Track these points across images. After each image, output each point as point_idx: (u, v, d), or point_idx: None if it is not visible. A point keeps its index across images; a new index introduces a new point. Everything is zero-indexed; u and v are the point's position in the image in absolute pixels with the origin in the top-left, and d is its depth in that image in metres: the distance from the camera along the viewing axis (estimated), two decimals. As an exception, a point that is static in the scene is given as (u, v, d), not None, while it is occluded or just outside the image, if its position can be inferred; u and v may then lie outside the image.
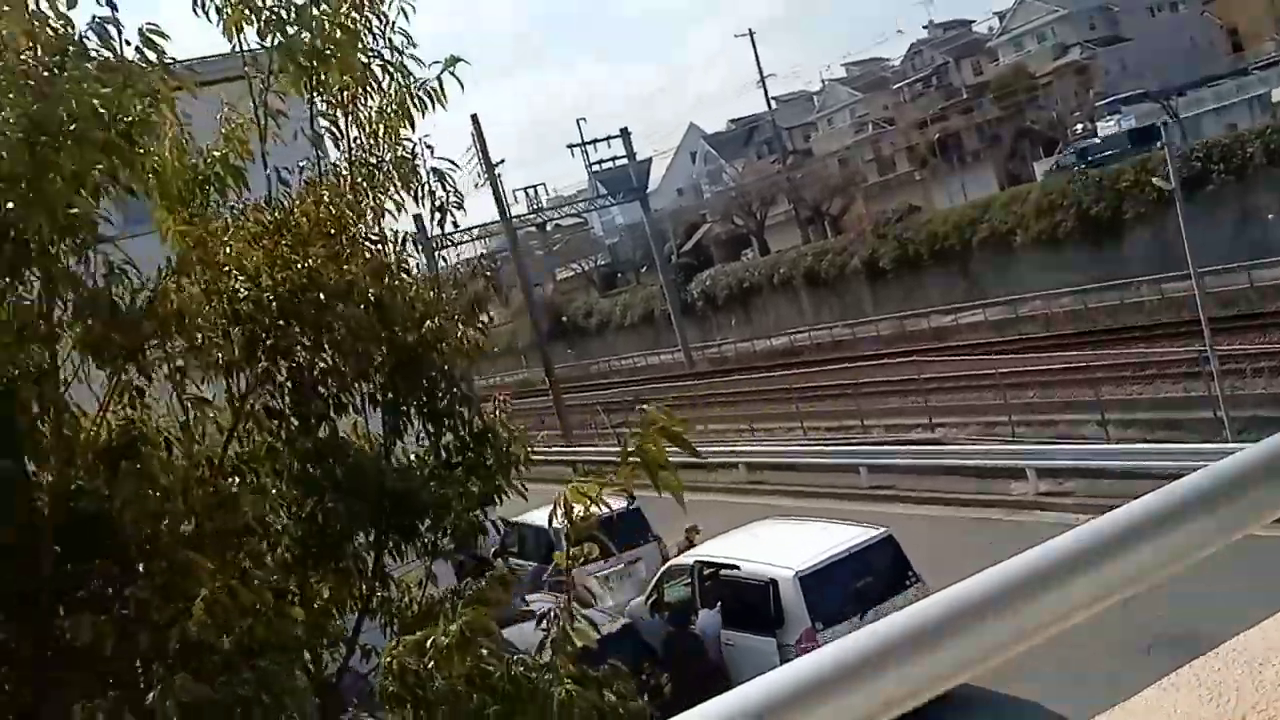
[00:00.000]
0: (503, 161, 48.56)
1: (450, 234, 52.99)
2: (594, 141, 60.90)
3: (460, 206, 5.65)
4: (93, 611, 3.83)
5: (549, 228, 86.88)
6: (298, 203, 5.07)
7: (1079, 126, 57.36)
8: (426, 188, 5.52)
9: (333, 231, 5.01)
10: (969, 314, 43.82)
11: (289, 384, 5.09)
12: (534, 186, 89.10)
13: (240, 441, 5.01)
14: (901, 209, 52.80)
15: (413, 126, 5.36)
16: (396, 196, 5.49)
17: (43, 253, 3.81)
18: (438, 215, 5.57)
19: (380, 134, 5.38)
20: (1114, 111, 54.95)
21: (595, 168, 68.67)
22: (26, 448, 4.26)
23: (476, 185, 40.30)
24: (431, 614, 5.17)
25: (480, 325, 5.94)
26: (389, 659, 4.43)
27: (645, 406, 4.26)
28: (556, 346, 74.23)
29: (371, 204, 5.38)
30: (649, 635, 17.41)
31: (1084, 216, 42.59)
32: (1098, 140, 50.07)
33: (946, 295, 47.19)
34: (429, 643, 4.34)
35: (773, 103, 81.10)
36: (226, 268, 4.81)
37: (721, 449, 32.24)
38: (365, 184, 5.35)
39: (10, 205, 3.70)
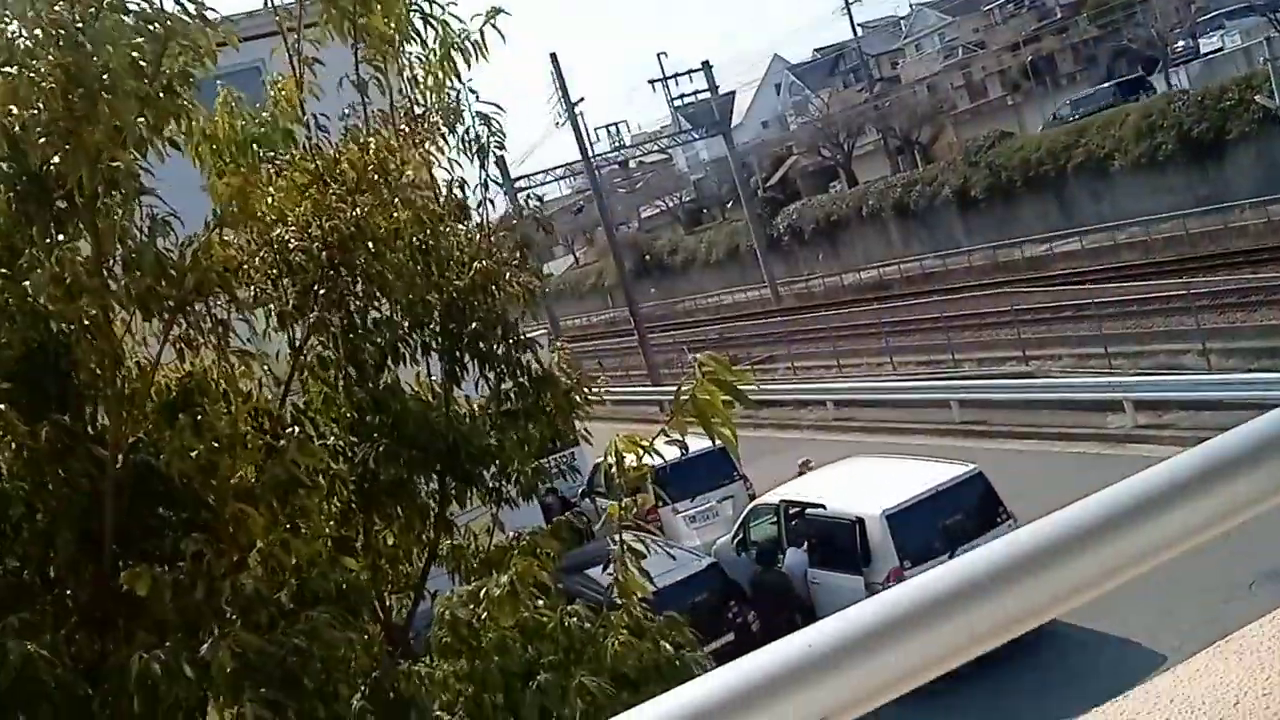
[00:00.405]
0: (583, 100, 48.25)
1: (533, 174, 53.08)
2: (675, 76, 60.18)
3: (502, 147, 5.52)
4: (151, 565, 3.82)
5: (632, 165, 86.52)
6: (343, 151, 4.98)
7: (1180, 44, 55.13)
8: (471, 133, 5.40)
9: (378, 179, 4.91)
10: (1064, 242, 42.62)
11: (344, 334, 5.04)
12: (616, 124, 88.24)
13: (303, 389, 4.98)
14: (993, 135, 51.27)
15: (458, 76, 5.24)
16: (441, 144, 5.37)
17: (89, 206, 3.77)
18: (480, 159, 5.44)
19: (424, 81, 5.26)
20: (1218, 27, 52.67)
21: (677, 103, 67.99)
22: (86, 402, 4.25)
23: (557, 124, 40.11)
24: (495, 562, 5.11)
25: (532, 268, 5.81)
26: (441, 609, 4.39)
27: (696, 357, 4.08)
28: (642, 285, 74.10)
29: (417, 151, 5.26)
30: (735, 574, 17.40)
31: (1185, 138, 40.98)
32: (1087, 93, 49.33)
33: (1041, 223, 45.94)
34: (481, 593, 4.29)
35: (859, 29, 79.38)
36: (271, 218, 4.75)
37: (808, 386, 32.01)
38: (410, 131, 5.24)
39: (55, 159, 3.67)
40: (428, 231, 5.03)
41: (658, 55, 75.36)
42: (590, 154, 41.99)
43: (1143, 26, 58.17)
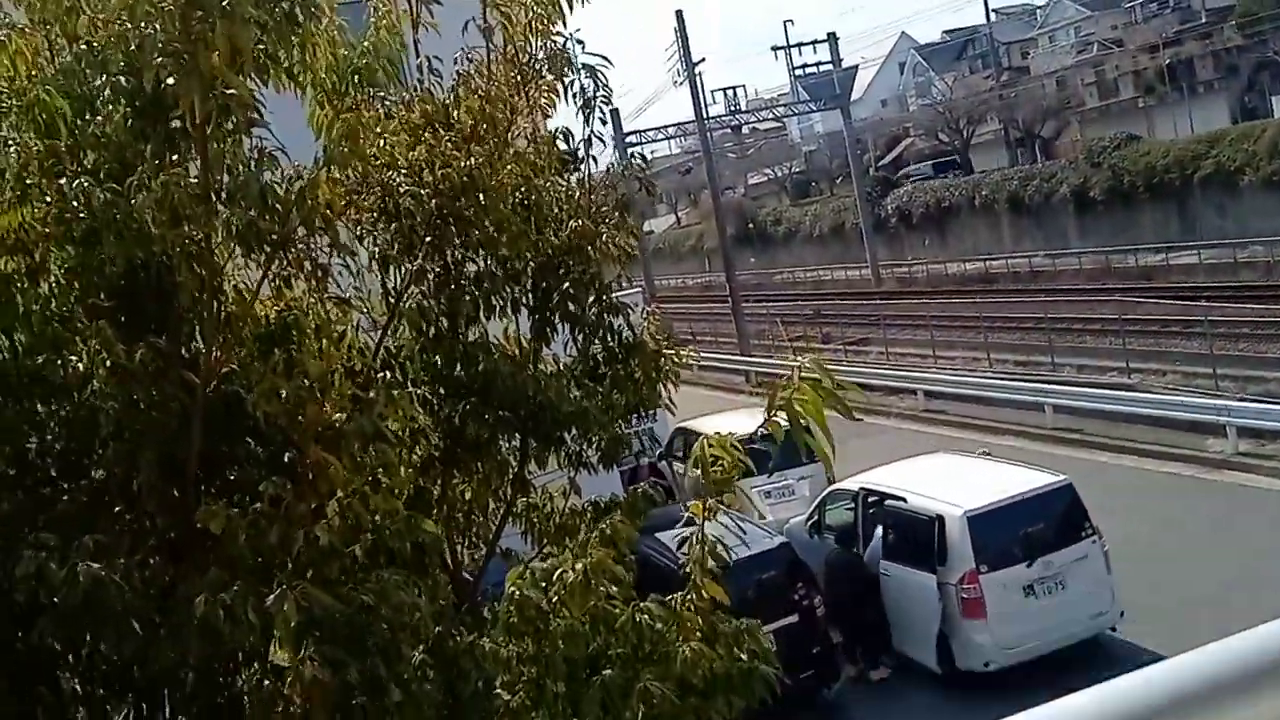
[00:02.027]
0: (703, 60, 47.69)
1: (645, 130, 52.77)
2: (799, 45, 59.26)
3: (608, 101, 5.35)
4: (230, 502, 3.80)
5: (745, 130, 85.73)
6: (459, 98, 4.86)
7: (1329, 60, 52.83)
8: (578, 84, 5.23)
9: (487, 130, 4.79)
10: (1182, 254, 41.25)
11: (442, 283, 4.94)
12: (733, 88, 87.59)
13: (394, 337, 4.91)
14: (1120, 137, 49.71)
15: (564, 21, 5.07)
16: (549, 94, 5.21)
17: (200, 131, 3.71)
18: (584, 113, 5.28)
19: (531, 27, 5.09)
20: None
21: (798, 72, 67.07)
22: (185, 327, 4.23)
23: (676, 83, 39.75)
24: (569, 528, 5.03)
25: (631, 228, 5.63)
26: (511, 588, 4.31)
27: (800, 359, 3.90)
28: (742, 252, 73.60)
29: (526, 102, 5.12)
30: (805, 555, 17.22)
31: (1325, 159, 39.37)
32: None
33: (1159, 232, 44.55)
34: (555, 575, 4.20)
35: (992, 15, 77.41)
36: (380, 161, 4.66)
37: (901, 373, 31.51)
38: (519, 80, 5.09)
39: (170, 80, 3.61)
40: (533, 186, 4.89)
41: (784, 22, 74.30)
42: (704, 115, 41.56)
43: (1292, 39, 55.82)
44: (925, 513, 14.51)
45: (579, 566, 4.11)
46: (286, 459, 4.07)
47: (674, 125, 49.97)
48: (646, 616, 4.24)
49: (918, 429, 27.44)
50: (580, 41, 5.24)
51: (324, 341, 4.24)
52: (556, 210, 5.12)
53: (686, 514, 16.45)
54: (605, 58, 5.32)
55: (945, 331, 35.99)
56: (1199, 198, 44.13)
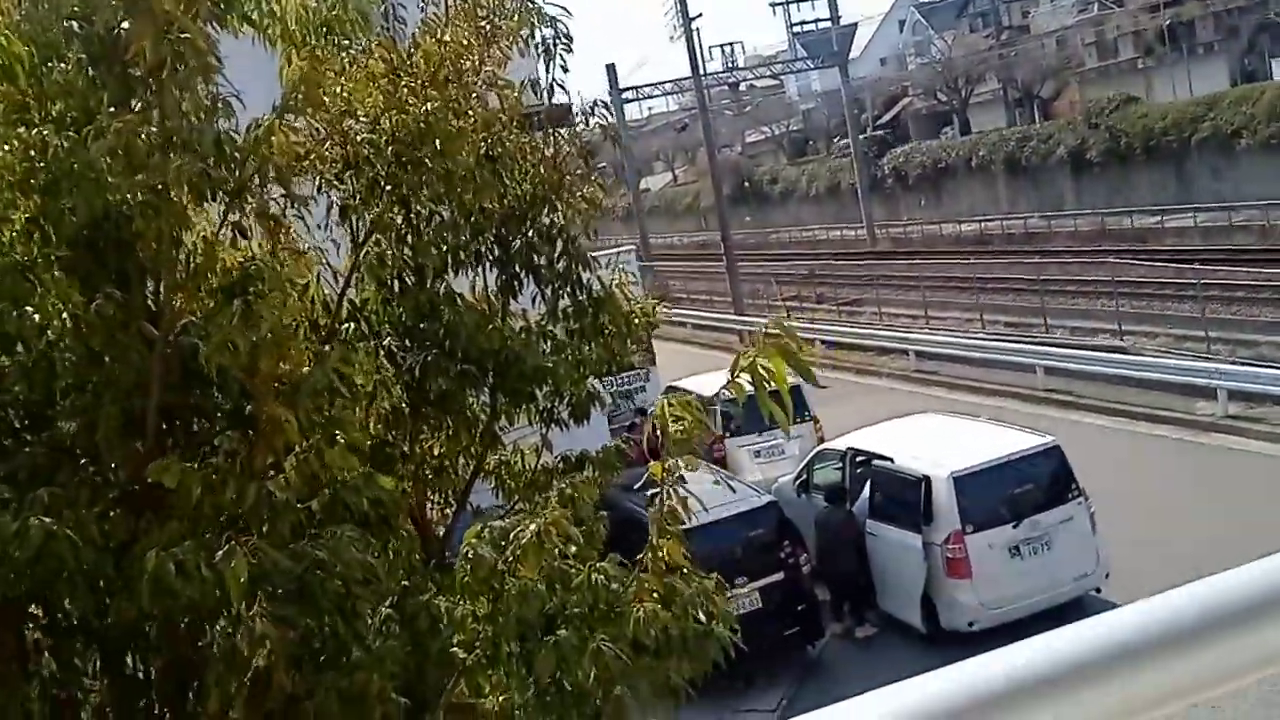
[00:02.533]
0: (700, 16, 47.11)
1: (642, 86, 52.35)
2: (797, 0, 58.72)
3: (569, 50, 5.25)
4: (188, 455, 3.75)
5: (742, 88, 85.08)
6: (418, 44, 4.76)
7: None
8: (539, 34, 5.13)
9: (452, 77, 4.69)
10: (1177, 217, 41.11)
11: (405, 234, 4.86)
12: (730, 44, 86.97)
13: (358, 289, 4.84)
14: (1118, 98, 49.43)
15: None
16: (509, 42, 5.10)
17: (155, 77, 3.62)
18: (545, 61, 5.18)
19: None
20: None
21: (796, 29, 66.51)
22: (149, 278, 4.16)
23: (672, 39, 39.42)
24: (539, 484, 4.99)
25: (598, 180, 5.53)
26: (467, 548, 4.27)
27: (764, 323, 3.83)
28: (738, 211, 73.32)
29: (493, 49, 5.01)
30: (793, 514, 17.27)
31: (1324, 122, 39.15)
32: None
33: (1155, 195, 44.39)
34: (511, 535, 4.15)
35: (993, -27, 76.68)
36: (341, 109, 4.57)
37: (893, 333, 31.49)
38: (483, 28, 4.98)
39: (124, 24, 3.52)
40: (495, 136, 4.80)
41: (782, -22, 73.44)
42: (701, 72, 41.23)
43: (1294, 0, 55.30)
44: (911, 473, 14.53)
45: (532, 527, 4.06)
46: (248, 412, 4.02)
47: (671, 81, 49.62)
48: (602, 576, 4.21)
49: (909, 389, 27.45)
50: (543, -10, 5.14)
51: (285, 293, 4.17)
52: (521, 160, 5.02)
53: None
54: (565, 9, 5.22)
55: (939, 292, 35.94)
56: (1196, 160, 43.95)
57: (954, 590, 14.02)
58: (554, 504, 4.40)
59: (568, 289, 5.23)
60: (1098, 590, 14.42)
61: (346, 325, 4.57)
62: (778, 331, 3.69)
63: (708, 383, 21.53)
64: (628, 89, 48.81)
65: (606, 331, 5.25)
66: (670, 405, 4.15)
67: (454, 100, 4.70)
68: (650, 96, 54.50)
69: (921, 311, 34.27)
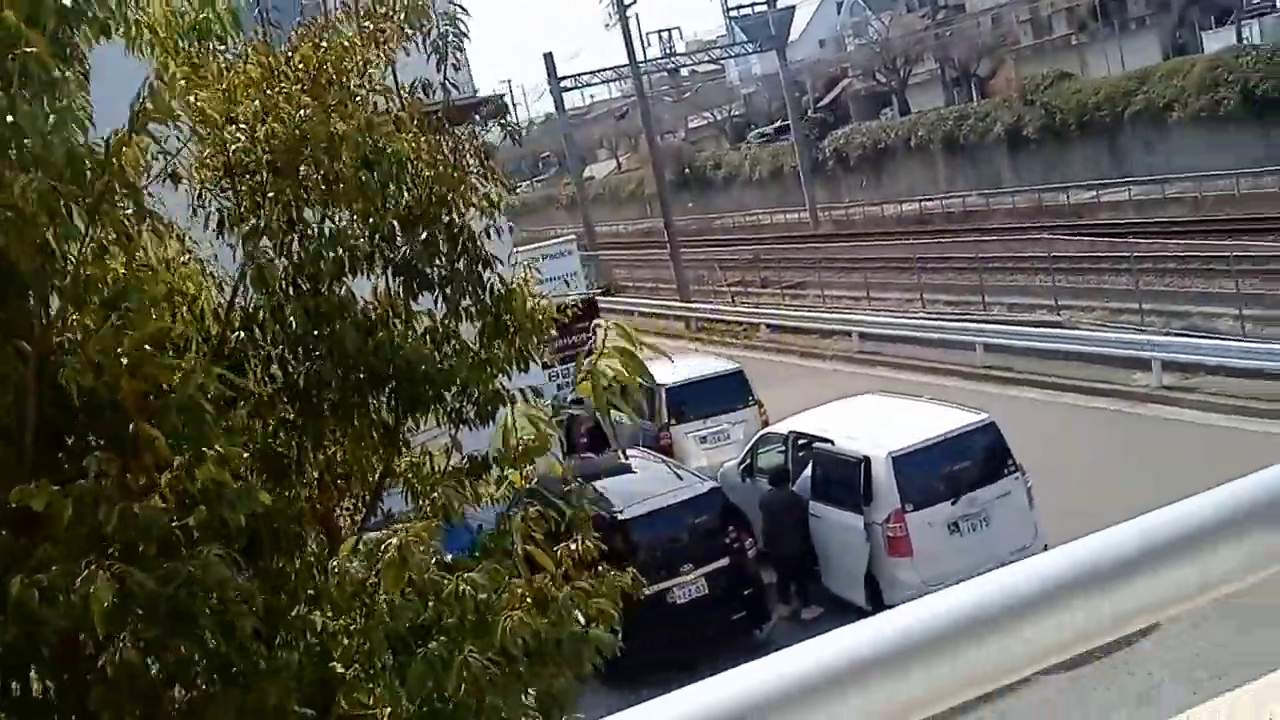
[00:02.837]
0: (635, 2, 46.94)
1: (580, 75, 52.17)
2: (734, -15, 58.72)
3: (461, 49, 5.20)
4: (62, 479, 3.66)
5: (683, 73, 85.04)
6: (296, 47, 4.69)
7: (1257, -5, 53.27)
8: (434, 32, 5.09)
9: (331, 81, 4.63)
10: (1112, 191, 41.73)
11: (289, 241, 4.78)
12: (668, 30, 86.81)
13: (247, 297, 4.74)
14: (1052, 75, 50.00)
15: None
16: (398, 42, 5.05)
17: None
18: (439, 62, 5.13)
19: None
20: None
21: (734, 13, 66.60)
22: (34, 293, 4.07)
23: (607, 26, 39.32)
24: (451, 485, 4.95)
25: (499, 179, 5.48)
26: (334, 564, 4.21)
27: (605, 325, 3.80)
28: (682, 197, 73.38)
29: (379, 51, 4.95)
30: (739, 499, 17.38)
31: (1249, 94, 39.78)
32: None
33: (1091, 169, 44.99)
34: (380, 548, 4.09)
35: (928, -47, 77.17)
36: (220, 118, 4.50)
37: (836, 315, 31.72)
38: (373, 28, 4.92)
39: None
40: (380, 139, 4.74)
41: (719, -38, 73.40)
42: (637, 59, 41.17)
43: (1221, -27, 56.17)
44: (851, 454, 14.67)
45: (394, 541, 4.00)
46: (110, 435, 3.93)
47: (609, 69, 49.50)
48: (469, 586, 4.17)
49: (853, 370, 27.70)
50: (437, -13, 5.10)
51: (171, 304, 4.11)
52: (415, 162, 4.98)
53: (625, 460, 16.42)
54: (463, 7, 5.18)
55: (880, 273, 36.24)
56: (1129, 134, 44.58)
57: (896, 568, 14.19)
58: (426, 511, 4.34)
59: (469, 289, 5.18)
60: (1037, 562, 14.65)
61: (237, 334, 4.51)
62: (622, 338, 3.66)
63: (655, 371, 21.66)
64: (566, 78, 48.63)
65: (511, 330, 5.20)
66: (519, 415, 4.13)
67: (334, 105, 4.63)
68: (589, 85, 54.53)
69: (864, 293, 34.54)
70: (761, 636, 15.06)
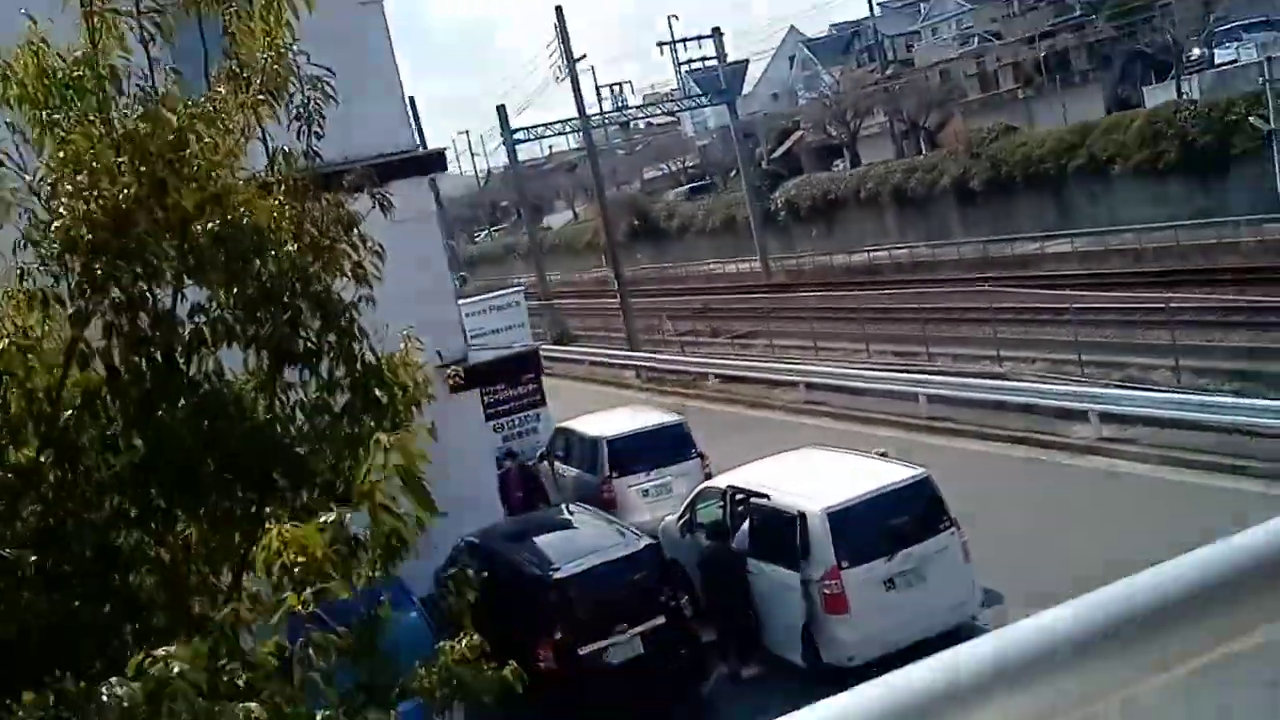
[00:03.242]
0: (584, 56, 47.20)
1: (533, 127, 52.37)
2: (685, 40, 59.54)
3: (323, 115, 5.11)
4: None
5: (642, 126, 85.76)
6: (145, 115, 4.56)
7: (1195, 52, 54.49)
8: (300, 98, 5.00)
9: (163, 153, 4.50)
10: (1056, 243, 42.33)
11: (121, 322, 4.59)
12: (619, 84, 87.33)
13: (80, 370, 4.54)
14: (998, 128, 50.84)
15: (291, 32, 4.82)
16: (262, 108, 4.95)
17: None
18: (303, 128, 5.04)
19: (251, 36, 4.81)
20: (1235, 39, 52.08)
21: (686, 67, 67.23)
22: None
23: (558, 79, 39.58)
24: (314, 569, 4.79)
25: (374, 247, 5.32)
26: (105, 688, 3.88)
27: (386, 440, 3.58)
28: (636, 247, 73.72)
29: (240, 117, 4.84)
30: (678, 554, 17.27)
31: (1189, 148, 40.61)
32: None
33: (1036, 221, 45.64)
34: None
35: (876, 9, 78.54)
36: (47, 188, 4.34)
37: (784, 365, 31.80)
38: (232, 95, 4.82)
39: None
40: (223, 211, 4.60)
41: (669, 18, 74.36)
42: (587, 112, 41.48)
43: (1159, 31, 57.48)
44: (787, 510, 14.62)
45: (136, 685, 3.66)
46: None
47: (560, 121, 49.76)
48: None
49: (799, 421, 27.73)
50: (304, 53, 5.03)
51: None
52: (275, 233, 4.85)
53: (563, 515, 16.22)
54: (330, 69, 5.12)
55: (828, 323, 36.45)
56: (1073, 187, 45.31)
57: (833, 626, 14.11)
58: (195, 643, 4.00)
59: (337, 363, 5.04)
60: (974, 618, 14.63)
61: (70, 414, 4.33)
62: (403, 458, 3.46)
63: (598, 423, 21.60)
64: (518, 130, 48.85)
65: (381, 403, 5.05)
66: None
67: (171, 175, 4.47)
68: (542, 137, 54.69)
69: (812, 343, 34.70)
70: (701, 694, 14.92)
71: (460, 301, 24.53)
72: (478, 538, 16.34)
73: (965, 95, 69.15)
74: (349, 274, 5.06)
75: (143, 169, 4.37)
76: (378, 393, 4.95)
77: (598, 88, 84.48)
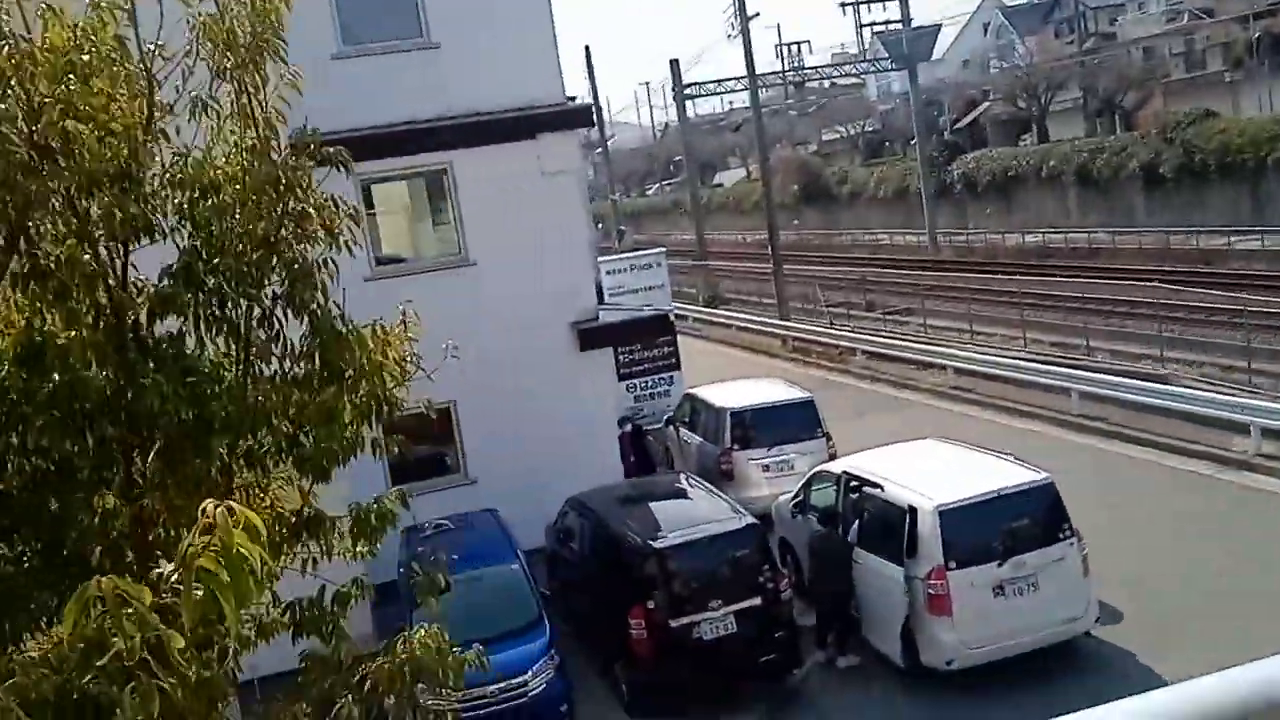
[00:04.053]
0: (757, 15, 45.91)
1: (705, 83, 51.79)
2: (868, 1, 57.74)
3: (294, 87, 4.86)
4: None
5: (827, 85, 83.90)
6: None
7: None
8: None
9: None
10: (1246, 239, 39.71)
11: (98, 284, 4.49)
12: (795, 44, 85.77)
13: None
14: (1196, 113, 47.84)
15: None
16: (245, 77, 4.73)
17: None
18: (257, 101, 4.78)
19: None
20: None
21: (880, 29, 65.44)
22: None
23: (730, 36, 38.90)
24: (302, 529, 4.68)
25: (350, 210, 5.03)
26: None
27: (212, 511, 2.93)
28: (807, 210, 72.58)
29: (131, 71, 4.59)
30: (789, 533, 16.93)
31: None
32: None
33: (1227, 215, 42.91)
34: None
35: (1081, -23, 74.84)
36: None
37: (934, 348, 30.85)
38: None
39: None
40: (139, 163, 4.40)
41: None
42: (767, 70, 40.68)
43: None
44: (899, 502, 14.14)
45: None
46: None
47: (733, 79, 48.95)
48: None
49: (943, 406, 26.92)
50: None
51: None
52: (238, 197, 4.65)
53: (677, 484, 16.07)
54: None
55: (987, 306, 35.17)
56: (1272, 181, 42.42)
57: (934, 627, 13.61)
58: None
59: (277, 332, 4.80)
60: (1088, 634, 13.92)
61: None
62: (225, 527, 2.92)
63: (725, 393, 21.31)
64: (690, 84, 48.32)
65: (346, 374, 4.82)
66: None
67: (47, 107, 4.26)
68: (715, 93, 53.93)
69: (967, 325, 33.55)
70: (794, 681, 14.62)
71: (601, 259, 24.51)
72: (587, 498, 16.33)
73: (1168, 74, 65.38)
74: (332, 230, 4.85)
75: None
76: (343, 366, 4.74)
77: (777, 45, 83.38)
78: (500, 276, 18.70)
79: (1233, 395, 21.44)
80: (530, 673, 13.59)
